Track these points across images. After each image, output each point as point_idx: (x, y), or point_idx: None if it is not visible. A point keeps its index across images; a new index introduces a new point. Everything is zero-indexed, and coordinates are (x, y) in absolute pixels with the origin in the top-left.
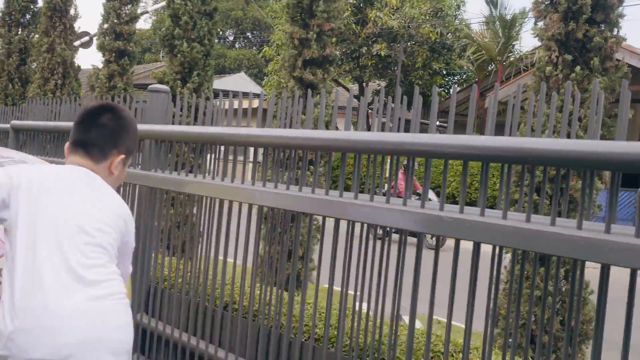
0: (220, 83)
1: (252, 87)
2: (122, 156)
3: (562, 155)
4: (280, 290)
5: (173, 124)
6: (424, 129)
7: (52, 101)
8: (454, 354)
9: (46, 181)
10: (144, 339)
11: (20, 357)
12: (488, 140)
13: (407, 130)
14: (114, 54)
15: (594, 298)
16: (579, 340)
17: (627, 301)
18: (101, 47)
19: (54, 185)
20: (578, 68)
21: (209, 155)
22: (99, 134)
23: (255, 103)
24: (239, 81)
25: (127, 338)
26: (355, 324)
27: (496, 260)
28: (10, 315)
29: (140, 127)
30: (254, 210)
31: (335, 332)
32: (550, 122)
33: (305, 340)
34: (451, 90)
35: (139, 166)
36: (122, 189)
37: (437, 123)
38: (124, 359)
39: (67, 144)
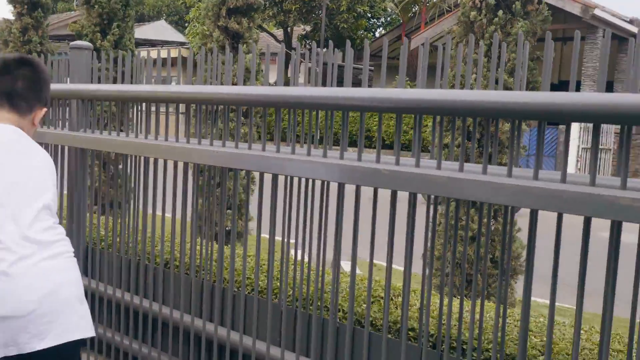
0: (140, 32)
1: (173, 35)
2: (45, 109)
3: (492, 106)
4: (220, 245)
5: (99, 81)
6: (356, 73)
7: None
8: (393, 298)
9: None
10: None
11: None
12: (421, 93)
13: (339, 76)
14: (26, 6)
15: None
16: (510, 276)
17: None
18: (12, 0)
19: None
20: (501, 12)
21: (138, 113)
22: (24, 87)
23: (185, 53)
24: (160, 29)
25: (79, 289)
26: (298, 274)
27: (432, 208)
28: None
29: (66, 86)
30: (189, 165)
31: (278, 284)
32: (479, 72)
33: (248, 293)
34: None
35: (66, 127)
36: (49, 149)
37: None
38: (78, 307)
39: None
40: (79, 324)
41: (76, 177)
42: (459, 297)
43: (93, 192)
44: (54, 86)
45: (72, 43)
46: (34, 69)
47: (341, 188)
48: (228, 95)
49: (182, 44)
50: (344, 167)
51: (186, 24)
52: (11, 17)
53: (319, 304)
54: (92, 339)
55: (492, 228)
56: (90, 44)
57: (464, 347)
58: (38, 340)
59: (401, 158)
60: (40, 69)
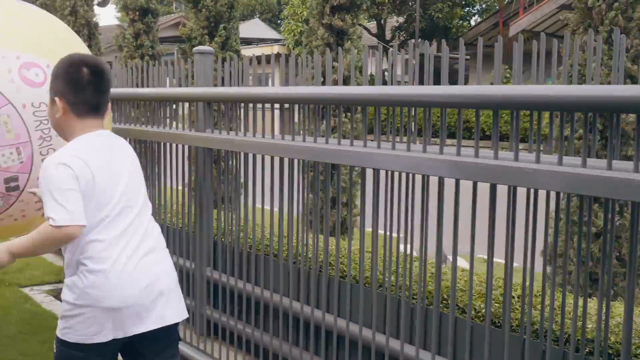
0: None
1: (267, 32)
2: (109, 105)
3: (616, 101)
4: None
5: (222, 84)
6: (452, 63)
7: (130, 67)
8: (514, 296)
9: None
10: (210, 291)
11: (96, 306)
12: (541, 90)
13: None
14: (137, 13)
15: None
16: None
17: None
18: (125, 7)
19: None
20: None
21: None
22: (106, 92)
23: (281, 50)
24: (254, 27)
25: (174, 279)
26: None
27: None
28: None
29: (194, 90)
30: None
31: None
32: (598, 61)
33: (366, 285)
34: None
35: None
36: (175, 148)
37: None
38: (172, 295)
39: (63, 103)
40: (175, 309)
41: (204, 176)
42: (582, 296)
43: (219, 190)
44: (182, 90)
45: (195, 48)
46: (105, 74)
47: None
48: (366, 96)
49: (276, 40)
50: (496, 166)
51: (279, 21)
52: (116, 22)
53: (444, 301)
54: (210, 325)
55: (617, 224)
56: (211, 49)
57: (590, 348)
58: (140, 325)
59: (512, 153)
60: (109, 72)
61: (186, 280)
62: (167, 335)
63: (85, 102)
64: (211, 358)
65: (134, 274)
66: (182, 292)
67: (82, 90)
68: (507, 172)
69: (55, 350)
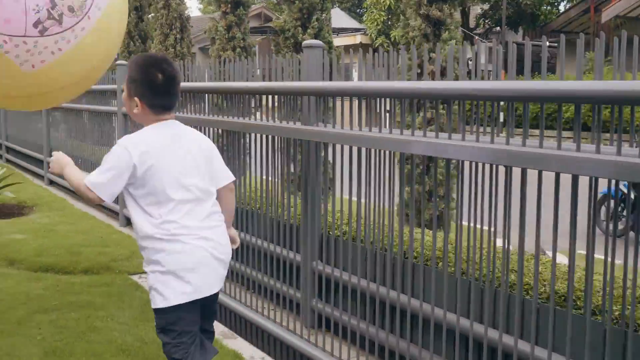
0: None
1: (348, 22)
2: None
3: None
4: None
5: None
6: (537, 51)
7: (218, 61)
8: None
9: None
10: (320, 285)
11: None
12: None
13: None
14: (229, 5)
15: None
16: None
17: None
18: (217, 0)
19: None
20: None
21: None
22: (177, 94)
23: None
24: (335, 17)
25: (229, 252)
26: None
27: None
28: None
29: (303, 84)
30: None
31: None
32: None
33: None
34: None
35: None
36: (279, 141)
37: (547, 44)
38: (225, 266)
39: (142, 104)
40: (222, 279)
41: (310, 168)
42: None
43: (296, 179)
44: (288, 84)
45: (304, 42)
46: (178, 79)
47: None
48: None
49: (357, 30)
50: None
51: (358, 10)
52: (199, 13)
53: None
54: (320, 317)
55: None
56: (321, 43)
57: None
58: (212, 288)
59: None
60: (180, 76)
61: (293, 272)
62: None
63: (161, 104)
64: (321, 350)
65: (203, 244)
66: (288, 284)
67: (158, 94)
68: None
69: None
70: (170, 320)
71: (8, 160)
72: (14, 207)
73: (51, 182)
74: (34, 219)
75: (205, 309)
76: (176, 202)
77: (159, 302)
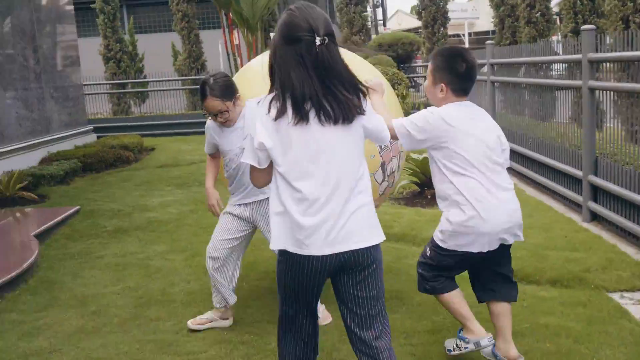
0: None
1: None
2: None
3: None
4: None
5: None
6: None
7: None
8: None
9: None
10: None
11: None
12: None
13: None
14: None
15: None
16: None
17: None
18: None
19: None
20: None
21: None
22: (475, 79)
23: None
24: None
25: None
26: None
27: None
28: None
29: None
30: None
31: None
32: None
33: None
34: None
35: None
36: None
37: None
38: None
39: (447, 89)
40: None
41: None
42: None
43: None
44: None
45: None
46: (476, 67)
47: None
48: None
49: None
50: None
51: None
52: None
53: None
54: None
55: None
56: None
57: None
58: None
59: None
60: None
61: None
62: None
63: (463, 89)
64: None
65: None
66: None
67: (462, 80)
68: None
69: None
70: None
71: None
72: None
73: None
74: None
75: None
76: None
77: None
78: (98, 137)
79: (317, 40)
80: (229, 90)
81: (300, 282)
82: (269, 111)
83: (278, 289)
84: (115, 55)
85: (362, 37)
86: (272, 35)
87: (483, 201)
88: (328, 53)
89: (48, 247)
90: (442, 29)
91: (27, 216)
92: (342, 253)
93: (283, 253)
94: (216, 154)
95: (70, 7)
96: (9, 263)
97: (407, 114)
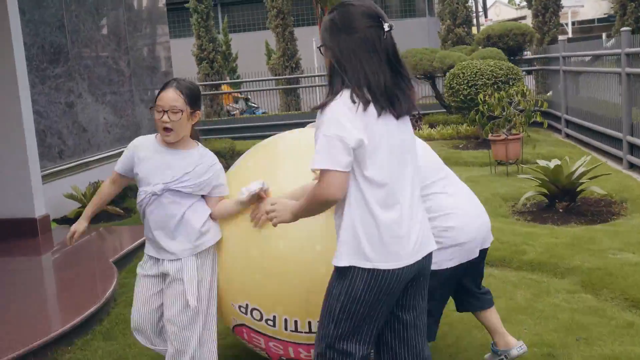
0: None
1: None
2: None
3: None
4: None
5: None
6: None
7: None
8: None
9: None
10: None
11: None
12: None
13: None
14: None
15: None
16: None
17: None
18: None
19: None
20: None
21: None
22: None
23: None
24: None
25: None
26: None
27: None
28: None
29: None
30: None
31: None
32: None
33: None
34: None
35: None
36: None
37: None
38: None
39: None
40: None
41: None
42: None
43: None
44: None
45: None
46: None
47: None
48: None
49: None
50: None
51: None
52: None
53: None
54: None
55: None
56: None
57: None
58: None
59: None
60: None
61: None
62: None
63: None
64: None
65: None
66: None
67: None
68: None
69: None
70: None
71: (568, 136)
72: (599, 202)
73: (631, 166)
74: (636, 225)
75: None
76: None
77: None
78: None
79: (385, 26)
80: (195, 98)
81: (391, 296)
82: (355, 106)
83: (344, 314)
84: (208, 56)
85: (466, 29)
86: (320, 36)
87: None
88: (392, 41)
89: (129, 274)
90: (553, 17)
91: (107, 236)
92: (423, 258)
93: (368, 272)
94: (124, 180)
95: (163, 7)
96: (82, 298)
97: (528, 115)
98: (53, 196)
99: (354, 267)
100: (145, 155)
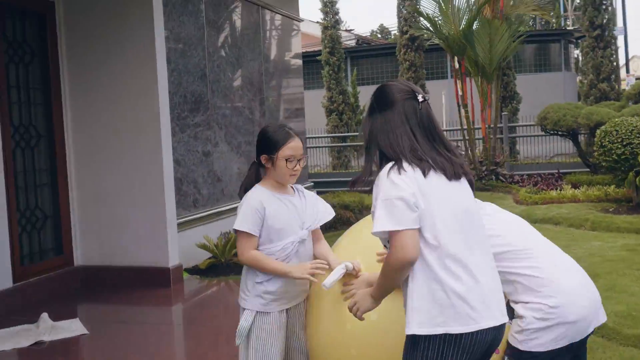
0: None
1: None
2: None
3: None
4: None
5: None
6: None
7: None
8: None
9: None
10: None
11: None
12: None
13: None
14: None
15: None
16: None
17: None
18: None
19: None
20: None
21: None
22: None
23: None
24: None
25: None
26: None
27: None
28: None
29: None
30: None
31: None
32: None
33: None
34: None
35: None
36: None
37: None
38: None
39: None
40: None
41: None
42: None
43: None
44: None
45: None
46: None
47: None
48: None
49: None
50: None
51: None
52: None
53: None
54: None
55: None
56: None
57: None
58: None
59: None
60: None
61: None
62: None
63: None
64: None
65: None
66: None
67: None
68: None
69: None
70: None
71: None
72: None
73: None
74: None
75: None
76: None
77: None
78: (317, 193)
79: (420, 97)
80: None
81: None
82: (402, 170)
83: None
84: (337, 108)
85: (610, 85)
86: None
87: None
88: (427, 111)
89: None
90: None
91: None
92: (499, 326)
93: (440, 338)
94: (256, 239)
95: (299, 60)
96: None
97: None
98: (185, 245)
99: (425, 335)
100: (274, 208)
